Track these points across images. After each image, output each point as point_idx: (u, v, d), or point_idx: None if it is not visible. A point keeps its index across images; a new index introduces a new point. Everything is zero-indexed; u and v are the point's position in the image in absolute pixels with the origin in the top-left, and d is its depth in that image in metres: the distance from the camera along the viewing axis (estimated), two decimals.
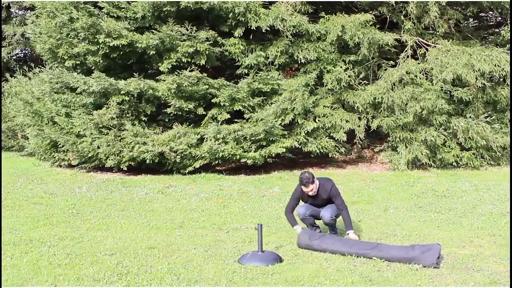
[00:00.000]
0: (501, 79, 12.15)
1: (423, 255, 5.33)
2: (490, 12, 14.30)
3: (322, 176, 6.49)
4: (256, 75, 11.67)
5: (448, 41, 12.01)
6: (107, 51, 11.59)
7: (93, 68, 12.06)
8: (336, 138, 11.88)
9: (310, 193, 6.11)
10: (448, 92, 11.78)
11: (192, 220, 7.45)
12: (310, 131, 11.79)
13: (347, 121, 11.82)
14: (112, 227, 7.08)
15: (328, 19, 11.90)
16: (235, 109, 11.57)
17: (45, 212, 8.02)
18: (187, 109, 11.53)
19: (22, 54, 23.13)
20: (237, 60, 11.94)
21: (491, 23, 15.04)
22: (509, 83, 11.94)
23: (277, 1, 12.06)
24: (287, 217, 6.36)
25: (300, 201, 6.39)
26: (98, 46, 11.51)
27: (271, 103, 11.67)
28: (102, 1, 11.81)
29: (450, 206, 8.14)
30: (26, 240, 6.40)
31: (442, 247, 5.60)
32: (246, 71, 11.92)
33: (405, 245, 5.90)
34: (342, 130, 11.74)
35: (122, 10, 11.82)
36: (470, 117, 11.84)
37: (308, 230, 6.17)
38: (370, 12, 12.08)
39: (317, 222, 6.49)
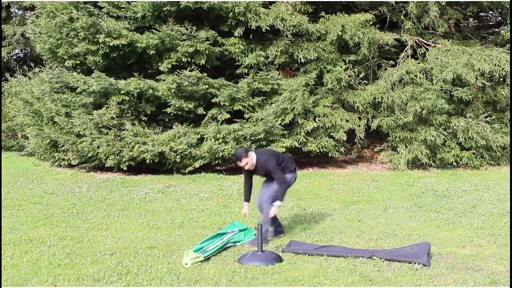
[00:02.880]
0: (501, 79, 12.15)
1: (414, 253, 5.41)
2: (490, 12, 14.32)
3: (266, 149, 6.60)
4: (256, 75, 11.67)
5: (448, 40, 12.02)
6: (107, 50, 11.59)
7: (93, 68, 12.06)
8: (336, 138, 11.88)
9: (246, 167, 6.28)
10: (448, 92, 11.78)
11: (192, 220, 7.45)
12: (310, 130, 11.79)
13: (347, 121, 11.82)
14: (112, 227, 7.08)
15: (328, 19, 11.90)
16: (235, 109, 11.57)
17: (45, 212, 8.01)
18: (187, 109, 11.54)
19: (22, 54, 23.13)
20: (237, 59, 11.94)
21: (491, 23, 15.05)
22: (509, 83, 11.95)
23: (277, 1, 12.06)
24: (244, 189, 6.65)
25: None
26: (98, 46, 11.51)
27: (271, 103, 11.67)
28: (102, 1, 11.81)
29: (450, 206, 8.14)
30: (26, 240, 6.40)
31: (431, 245, 5.69)
32: (246, 71, 11.92)
33: (402, 245, 5.92)
34: (342, 129, 11.75)
35: (122, 10, 11.82)
36: (470, 117, 11.85)
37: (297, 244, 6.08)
38: (370, 11, 12.08)
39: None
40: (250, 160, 6.25)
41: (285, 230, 6.77)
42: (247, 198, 6.52)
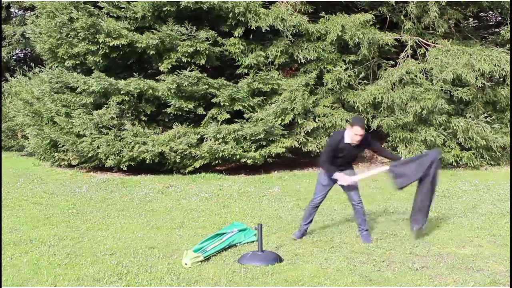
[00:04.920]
0: (501, 79, 12.16)
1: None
2: (490, 12, 14.31)
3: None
4: (256, 75, 11.67)
5: (448, 41, 12.01)
6: (107, 51, 11.59)
7: (93, 68, 12.06)
8: None
9: (358, 139, 5.89)
10: (448, 92, 11.78)
11: (192, 220, 7.45)
12: (310, 131, 11.79)
13: (347, 121, 11.80)
14: (112, 227, 7.08)
15: (328, 19, 11.90)
16: (235, 109, 11.57)
17: (45, 212, 8.01)
18: (187, 109, 11.53)
19: (22, 54, 23.12)
20: (237, 60, 11.94)
21: (491, 23, 15.04)
22: (509, 83, 11.95)
23: (277, 1, 12.06)
24: (326, 168, 6.14)
25: (321, 188, 6.30)
26: (98, 46, 11.51)
27: (271, 103, 11.67)
28: (102, 1, 11.81)
29: (450, 206, 8.14)
30: (26, 240, 6.40)
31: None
32: (246, 71, 11.92)
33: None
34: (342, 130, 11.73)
35: (122, 10, 11.82)
36: (470, 117, 11.85)
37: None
38: (370, 12, 12.09)
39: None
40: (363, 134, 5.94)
41: (285, 230, 6.78)
42: (335, 170, 6.10)
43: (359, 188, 6.29)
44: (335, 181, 6.21)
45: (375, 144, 6.39)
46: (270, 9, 11.78)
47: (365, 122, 6.10)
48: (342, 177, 6.10)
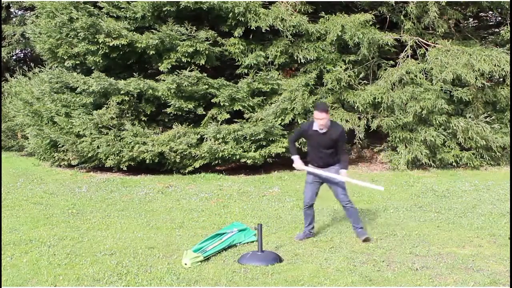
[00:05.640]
0: (501, 79, 12.15)
1: None
2: (490, 12, 14.31)
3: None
4: (256, 75, 11.67)
5: (448, 41, 12.01)
6: (107, 51, 11.59)
7: (93, 68, 12.06)
8: None
9: (321, 123, 5.92)
10: (448, 92, 11.78)
11: (192, 220, 7.45)
12: None
13: (347, 121, 11.81)
14: (112, 227, 7.08)
15: (328, 19, 11.89)
16: (235, 109, 11.57)
17: (45, 212, 8.01)
18: (187, 109, 11.54)
19: (22, 54, 23.11)
20: (237, 60, 11.94)
21: (491, 23, 15.03)
22: (508, 83, 11.94)
23: (277, 1, 12.06)
24: (290, 146, 6.43)
25: (307, 186, 6.28)
26: (98, 46, 11.51)
27: (271, 103, 11.67)
28: (102, 1, 11.81)
29: (450, 206, 8.14)
30: (26, 240, 6.40)
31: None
32: (246, 71, 11.92)
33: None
34: None
35: (122, 10, 11.82)
36: (469, 117, 11.84)
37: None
38: (370, 12, 12.08)
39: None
40: (327, 120, 5.94)
41: (285, 230, 6.78)
42: (296, 152, 6.28)
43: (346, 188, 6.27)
44: (321, 178, 6.19)
45: (340, 142, 6.11)
46: (270, 9, 11.78)
47: (328, 107, 6.03)
48: (297, 161, 6.23)
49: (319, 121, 5.97)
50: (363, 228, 6.35)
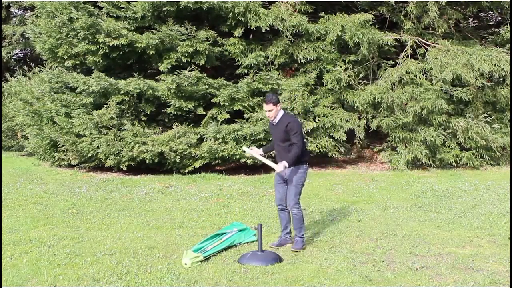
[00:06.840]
0: (501, 79, 12.16)
1: None
2: (490, 12, 14.32)
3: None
4: (256, 75, 11.68)
5: (448, 41, 12.02)
6: (106, 51, 11.59)
7: (93, 68, 12.06)
8: (336, 138, 11.87)
9: (268, 114, 5.92)
10: (447, 92, 11.79)
11: (192, 220, 7.45)
12: (310, 130, 11.79)
13: (347, 121, 11.82)
14: (112, 227, 7.08)
15: (328, 19, 11.90)
16: (235, 109, 11.57)
17: (45, 212, 8.01)
18: (187, 109, 11.53)
19: (22, 54, 23.11)
20: (236, 60, 11.94)
21: (490, 23, 15.04)
22: (508, 83, 11.95)
23: (277, 1, 12.06)
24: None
25: (275, 181, 6.08)
26: (98, 46, 11.51)
27: None
28: (102, 1, 11.81)
29: (450, 206, 8.15)
30: (26, 240, 6.40)
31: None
32: (246, 71, 11.92)
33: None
34: (342, 130, 11.74)
35: (122, 10, 11.82)
36: (469, 117, 11.85)
37: None
38: (370, 12, 12.09)
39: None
40: (276, 111, 5.89)
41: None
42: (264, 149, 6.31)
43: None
44: (283, 179, 6.01)
45: (291, 134, 5.82)
46: (269, 9, 11.78)
47: (274, 98, 5.83)
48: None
49: (266, 113, 6.07)
50: (303, 238, 5.98)
